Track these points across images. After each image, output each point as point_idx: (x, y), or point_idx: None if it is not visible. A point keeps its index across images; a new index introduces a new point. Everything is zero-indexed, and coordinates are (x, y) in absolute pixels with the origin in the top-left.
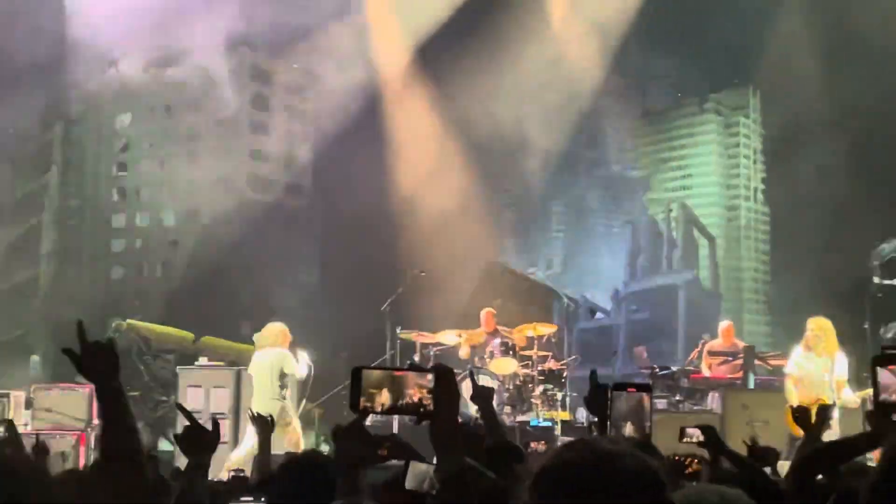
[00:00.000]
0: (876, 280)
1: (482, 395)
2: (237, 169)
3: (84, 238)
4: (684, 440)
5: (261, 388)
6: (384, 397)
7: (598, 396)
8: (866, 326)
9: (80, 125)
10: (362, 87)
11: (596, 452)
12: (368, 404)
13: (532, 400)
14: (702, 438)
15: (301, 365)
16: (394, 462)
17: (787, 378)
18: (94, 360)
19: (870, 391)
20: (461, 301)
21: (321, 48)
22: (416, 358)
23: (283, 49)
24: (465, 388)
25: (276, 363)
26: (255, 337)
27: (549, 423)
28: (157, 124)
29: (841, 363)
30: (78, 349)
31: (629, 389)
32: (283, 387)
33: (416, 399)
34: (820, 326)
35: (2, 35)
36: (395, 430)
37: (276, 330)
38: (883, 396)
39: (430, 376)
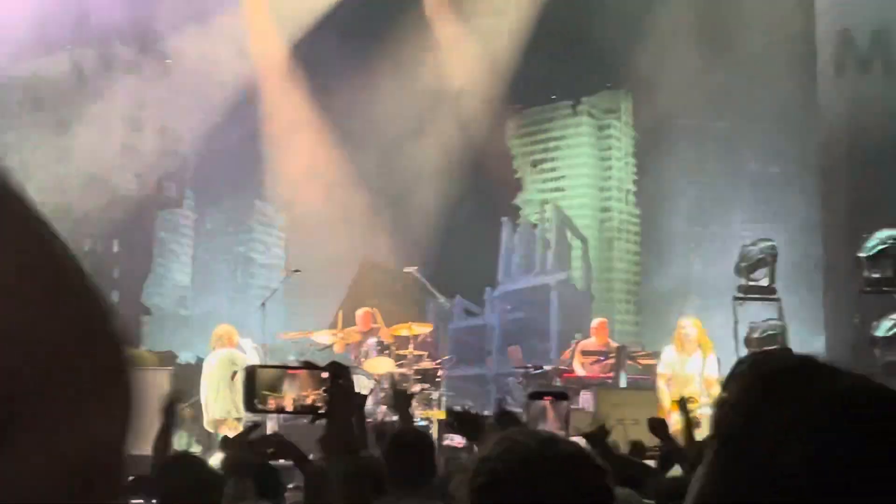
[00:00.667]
0: (742, 281)
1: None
2: (109, 164)
3: None
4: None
5: (213, 389)
6: (279, 397)
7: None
8: (734, 326)
9: None
10: (239, 82)
11: (536, 438)
12: (262, 405)
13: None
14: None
15: (249, 354)
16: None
17: (659, 377)
18: None
19: None
20: (337, 300)
21: (196, 42)
22: (292, 358)
23: (157, 43)
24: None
25: (226, 362)
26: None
27: (425, 423)
28: (25, 118)
29: (711, 362)
30: None
31: (545, 398)
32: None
33: (309, 399)
34: (690, 325)
35: None
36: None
37: (221, 331)
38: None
39: (325, 374)
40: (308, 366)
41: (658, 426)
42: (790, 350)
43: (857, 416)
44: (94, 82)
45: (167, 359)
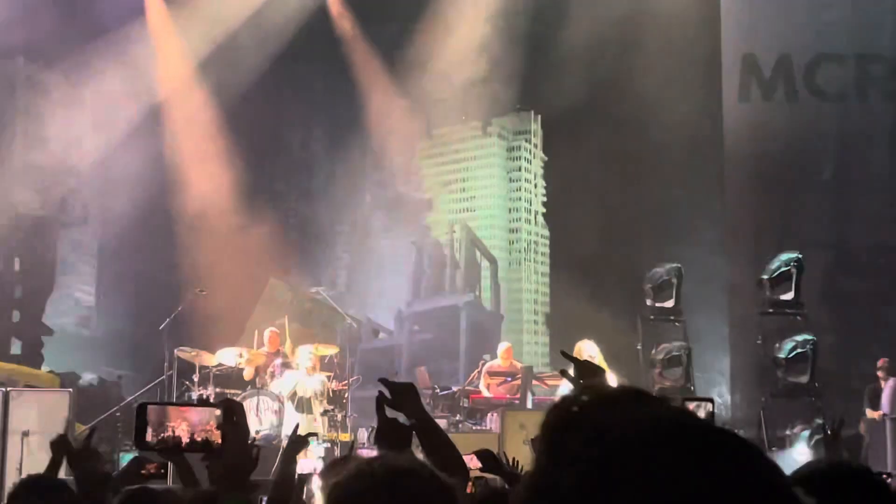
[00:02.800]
0: (648, 302)
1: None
2: (10, 183)
3: None
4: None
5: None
6: (172, 433)
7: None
8: (639, 348)
9: None
10: (144, 100)
11: (392, 469)
12: (154, 441)
13: (313, 420)
14: (478, 464)
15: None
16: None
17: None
18: None
19: None
20: (243, 320)
21: (101, 60)
22: (196, 378)
23: (61, 60)
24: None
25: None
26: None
27: (329, 444)
28: None
29: (612, 383)
30: None
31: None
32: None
33: (201, 436)
34: (578, 350)
35: None
36: None
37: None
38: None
39: (217, 411)
40: (202, 402)
41: (486, 458)
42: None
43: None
44: None
45: (69, 380)
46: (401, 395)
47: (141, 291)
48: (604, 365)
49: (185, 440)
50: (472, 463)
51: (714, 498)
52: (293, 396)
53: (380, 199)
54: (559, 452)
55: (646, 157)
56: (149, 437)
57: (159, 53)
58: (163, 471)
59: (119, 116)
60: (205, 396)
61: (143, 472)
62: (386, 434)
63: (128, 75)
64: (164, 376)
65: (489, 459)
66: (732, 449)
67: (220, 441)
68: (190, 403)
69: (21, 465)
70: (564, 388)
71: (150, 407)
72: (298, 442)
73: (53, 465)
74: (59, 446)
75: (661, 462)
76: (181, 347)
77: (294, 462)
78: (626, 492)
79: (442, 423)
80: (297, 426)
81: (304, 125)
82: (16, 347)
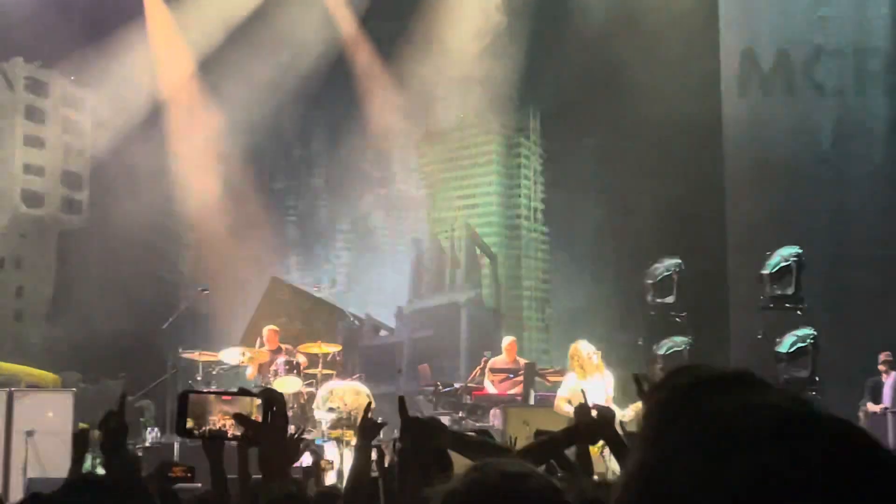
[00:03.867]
0: (649, 298)
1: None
2: (10, 183)
3: None
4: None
5: None
6: (211, 422)
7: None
8: (640, 343)
9: None
10: (144, 100)
11: (504, 473)
12: (196, 429)
13: (315, 419)
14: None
15: None
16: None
17: (559, 399)
18: None
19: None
20: (245, 319)
21: (102, 60)
22: (199, 378)
23: (60, 60)
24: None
25: None
26: None
27: (333, 441)
28: None
29: (609, 381)
30: None
31: None
32: None
33: (231, 424)
34: (576, 349)
35: None
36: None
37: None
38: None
39: (257, 401)
40: (242, 392)
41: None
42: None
43: (754, 435)
44: None
45: (71, 380)
46: (420, 435)
47: (143, 291)
48: (601, 364)
49: (229, 431)
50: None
51: (847, 496)
52: None
53: (379, 197)
54: (667, 441)
55: (645, 153)
56: (189, 425)
57: (160, 54)
58: (189, 474)
59: (120, 117)
60: None
61: (170, 474)
62: (411, 430)
63: (129, 75)
64: (166, 375)
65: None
66: (862, 445)
67: (257, 430)
68: (230, 392)
69: (26, 464)
70: (567, 384)
71: (191, 395)
72: (372, 428)
73: (77, 461)
74: (81, 441)
75: (788, 456)
76: (184, 347)
77: (369, 449)
78: (747, 487)
79: (445, 420)
80: (367, 409)
81: (304, 123)
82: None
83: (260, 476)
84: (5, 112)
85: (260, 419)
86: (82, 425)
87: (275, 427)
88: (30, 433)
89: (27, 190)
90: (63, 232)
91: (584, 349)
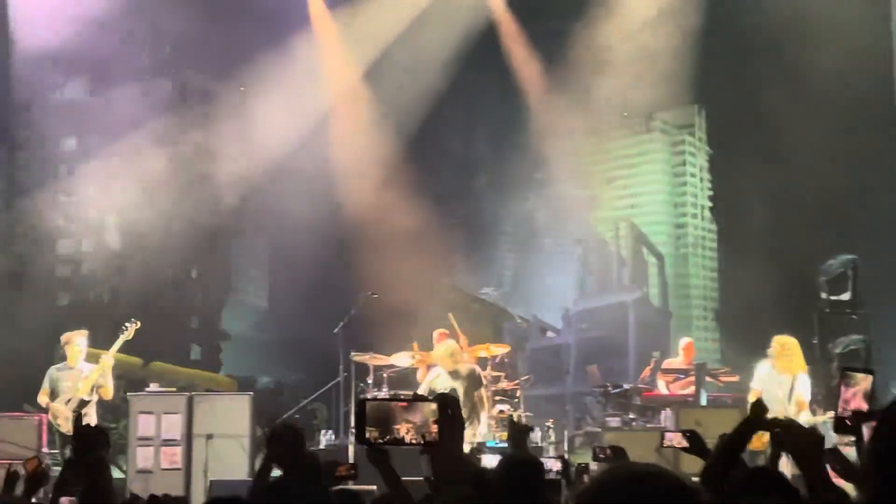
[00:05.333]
0: (823, 296)
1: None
2: (183, 192)
3: (30, 264)
4: (664, 444)
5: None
6: (395, 430)
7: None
8: (815, 342)
9: (25, 149)
10: (310, 108)
11: (634, 473)
12: (374, 436)
13: (487, 421)
14: (684, 443)
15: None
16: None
17: (751, 392)
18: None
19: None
20: (414, 322)
21: (269, 70)
22: (370, 380)
23: (229, 71)
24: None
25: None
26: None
27: (505, 445)
28: (101, 148)
29: (804, 384)
30: None
31: None
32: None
33: (404, 431)
34: (782, 344)
35: None
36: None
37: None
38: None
39: (433, 405)
40: (417, 398)
41: (694, 438)
42: None
43: None
44: (168, 111)
45: (247, 384)
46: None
47: (313, 295)
48: (799, 363)
49: (407, 438)
50: (678, 442)
51: None
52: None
53: (543, 198)
54: None
55: (816, 147)
56: (368, 434)
57: (325, 63)
58: (353, 471)
59: (288, 125)
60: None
61: (336, 473)
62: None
63: (296, 85)
64: (338, 378)
65: (696, 441)
66: None
67: (436, 435)
68: (404, 399)
69: (206, 467)
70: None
71: (368, 403)
72: (523, 430)
73: (267, 467)
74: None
75: None
76: (355, 351)
77: (526, 449)
78: None
79: (614, 421)
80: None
81: (467, 126)
82: (195, 353)
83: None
84: (179, 124)
85: (436, 423)
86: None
87: (451, 431)
88: (209, 436)
89: (202, 200)
90: (234, 238)
91: (775, 343)
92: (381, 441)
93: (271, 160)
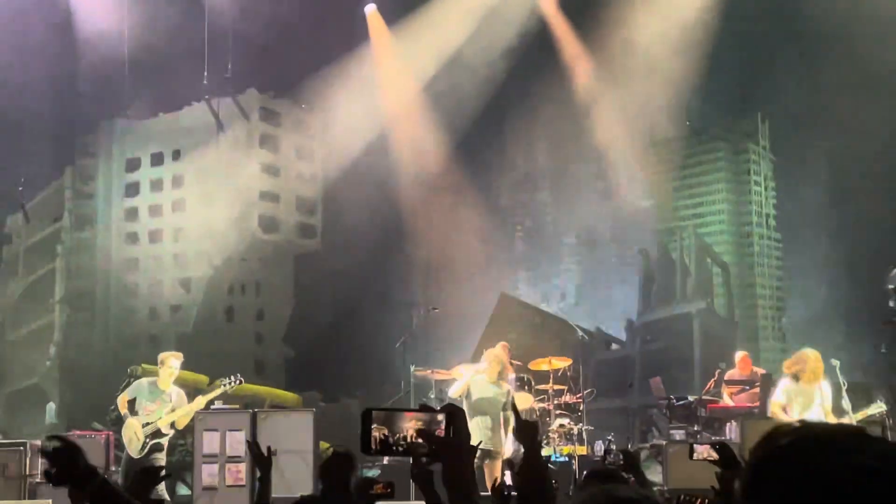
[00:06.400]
0: (892, 304)
1: (526, 431)
2: (248, 210)
3: (96, 284)
4: (693, 457)
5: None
6: (391, 437)
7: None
8: (883, 351)
9: (91, 171)
10: (370, 123)
11: (613, 499)
12: (380, 435)
13: (549, 434)
14: (714, 456)
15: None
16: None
17: (773, 404)
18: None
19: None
20: (475, 336)
21: (329, 87)
22: (433, 395)
23: (290, 89)
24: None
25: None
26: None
27: (566, 459)
28: (166, 168)
29: (826, 392)
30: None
31: None
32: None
33: (414, 440)
34: (801, 356)
35: (14, 83)
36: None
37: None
38: None
39: (439, 416)
40: (424, 408)
41: (725, 452)
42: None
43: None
44: (231, 130)
45: (310, 399)
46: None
47: (375, 310)
48: (819, 373)
49: (405, 445)
50: (708, 454)
51: None
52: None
53: (605, 209)
54: (762, 490)
55: (880, 154)
56: (374, 444)
57: (385, 78)
58: (389, 489)
59: (349, 141)
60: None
61: (371, 491)
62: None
63: (356, 101)
64: (401, 394)
65: (728, 454)
66: None
67: (440, 446)
68: (412, 409)
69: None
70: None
71: (374, 413)
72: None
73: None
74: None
75: None
76: (417, 365)
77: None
78: None
79: (679, 433)
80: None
81: (528, 139)
82: (260, 369)
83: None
84: (242, 142)
85: (442, 432)
86: (324, 446)
87: (458, 442)
88: (274, 452)
89: (264, 216)
90: (299, 255)
91: (808, 355)
92: (386, 439)
93: (333, 176)
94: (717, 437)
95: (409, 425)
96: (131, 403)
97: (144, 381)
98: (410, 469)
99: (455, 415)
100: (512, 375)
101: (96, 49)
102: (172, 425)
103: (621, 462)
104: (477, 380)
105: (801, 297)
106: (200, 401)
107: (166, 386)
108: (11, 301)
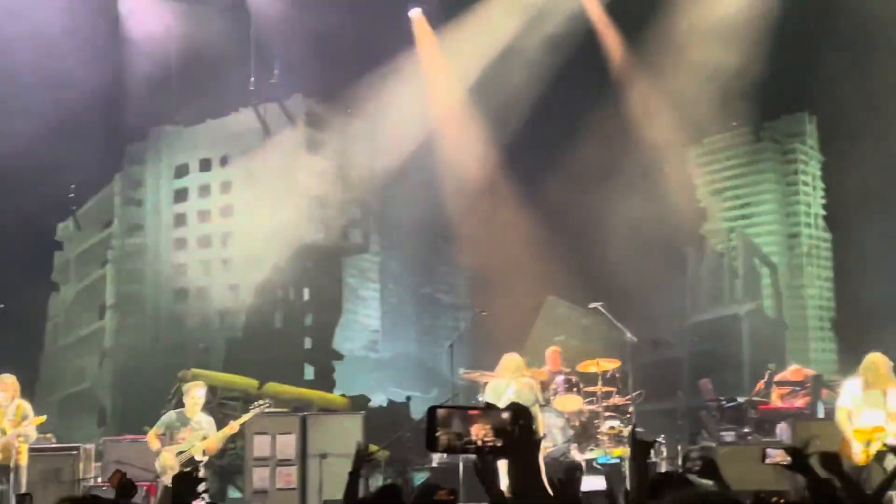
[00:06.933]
0: None
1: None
2: (295, 215)
3: (146, 289)
4: (766, 461)
5: None
6: (457, 435)
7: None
8: None
9: (140, 177)
10: (416, 127)
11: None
12: (447, 440)
13: (598, 437)
14: (787, 460)
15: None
16: None
17: (840, 409)
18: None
19: None
20: (523, 339)
21: (375, 91)
22: (480, 398)
23: (337, 94)
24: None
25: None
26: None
27: (617, 460)
28: (214, 174)
29: (893, 397)
30: None
31: None
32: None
33: (481, 438)
34: (873, 362)
35: (61, 92)
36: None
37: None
38: None
39: (505, 414)
40: (489, 407)
41: (831, 461)
42: None
43: None
44: (279, 136)
45: (360, 403)
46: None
47: (423, 314)
48: (887, 378)
49: (472, 443)
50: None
51: None
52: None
53: (652, 210)
54: None
55: None
56: (442, 445)
57: (431, 81)
58: (452, 497)
59: (395, 145)
60: None
61: (435, 497)
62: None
63: (401, 104)
64: (450, 396)
65: (802, 460)
66: None
67: (506, 443)
68: (477, 407)
69: (321, 487)
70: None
71: (439, 411)
72: (645, 445)
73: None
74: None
75: None
76: (466, 368)
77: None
78: None
79: (729, 435)
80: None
81: (574, 139)
82: (309, 373)
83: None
84: (289, 147)
85: (508, 432)
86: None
87: (528, 438)
88: (323, 456)
89: (312, 221)
90: (346, 260)
91: (865, 361)
92: (454, 444)
93: (380, 180)
94: (769, 439)
95: (477, 425)
96: (162, 437)
97: (172, 412)
98: (475, 465)
99: (522, 413)
100: (560, 377)
101: (145, 56)
102: (204, 452)
103: (698, 467)
104: (495, 384)
105: (852, 297)
106: (234, 425)
107: (193, 414)
108: (63, 307)
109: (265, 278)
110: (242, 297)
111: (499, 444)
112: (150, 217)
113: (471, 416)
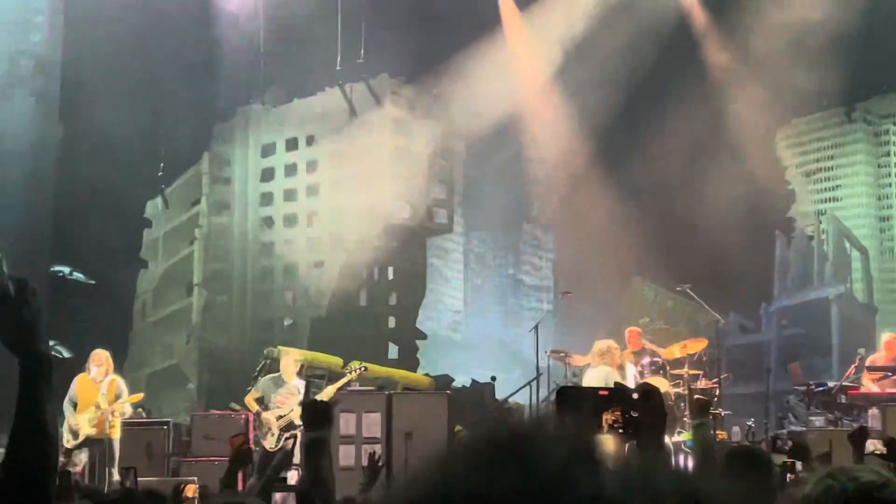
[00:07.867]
0: None
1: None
2: (380, 194)
3: (233, 267)
4: (863, 451)
5: None
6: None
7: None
8: None
9: (227, 156)
10: (502, 108)
11: (858, 482)
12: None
13: (685, 420)
14: (882, 450)
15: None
16: None
17: None
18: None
19: None
20: (609, 320)
21: (461, 72)
22: (565, 380)
23: (422, 74)
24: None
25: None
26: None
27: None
28: (300, 153)
29: None
30: None
31: None
32: None
33: (611, 419)
34: None
35: (155, 70)
36: None
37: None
38: None
39: (635, 395)
40: (618, 387)
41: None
42: None
43: None
44: (364, 115)
45: (443, 382)
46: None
47: (506, 295)
48: None
49: (603, 423)
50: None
51: None
52: None
53: (738, 191)
54: None
55: None
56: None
57: (516, 61)
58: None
59: (480, 125)
60: None
61: None
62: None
63: (487, 85)
64: (535, 377)
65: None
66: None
67: (637, 423)
68: (606, 388)
69: (406, 465)
70: None
71: (568, 391)
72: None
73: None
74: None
75: None
76: (550, 349)
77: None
78: None
79: (819, 420)
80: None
81: (660, 120)
82: (393, 352)
83: None
84: (374, 127)
85: (638, 412)
86: (458, 429)
87: (653, 419)
88: (408, 434)
89: (397, 200)
90: (430, 240)
91: None
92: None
93: (465, 160)
94: (859, 424)
95: (605, 414)
96: (259, 400)
97: (268, 377)
98: None
99: (652, 393)
100: (646, 359)
101: (233, 36)
102: None
103: (788, 448)
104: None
105: None
106: (329, 390)
107: (290, 378)
108: (152, 284)
109: (350, 257)
110: (328, 276)
111: (627, 424)
112: (237, 196)
113: (601, 397)
